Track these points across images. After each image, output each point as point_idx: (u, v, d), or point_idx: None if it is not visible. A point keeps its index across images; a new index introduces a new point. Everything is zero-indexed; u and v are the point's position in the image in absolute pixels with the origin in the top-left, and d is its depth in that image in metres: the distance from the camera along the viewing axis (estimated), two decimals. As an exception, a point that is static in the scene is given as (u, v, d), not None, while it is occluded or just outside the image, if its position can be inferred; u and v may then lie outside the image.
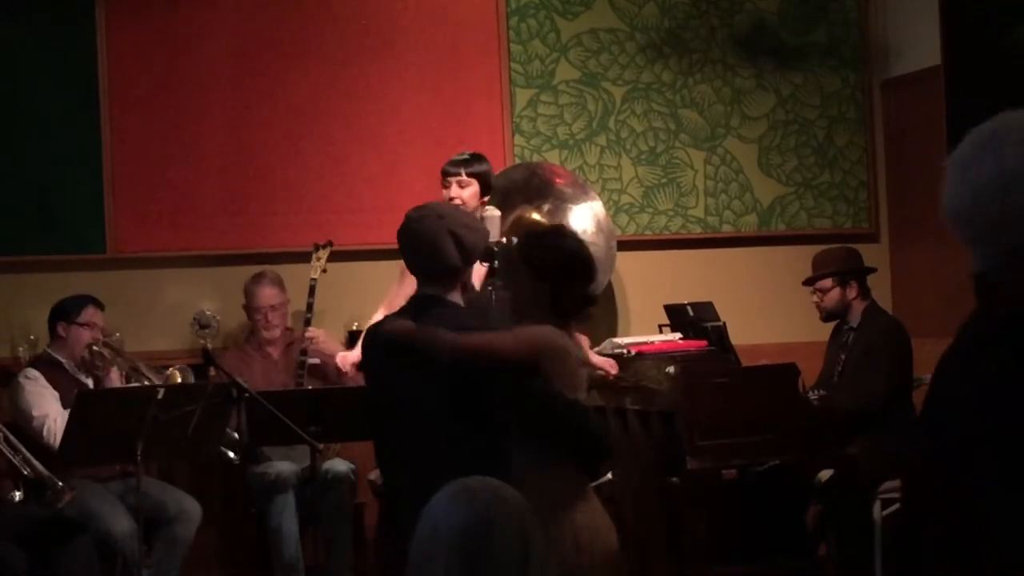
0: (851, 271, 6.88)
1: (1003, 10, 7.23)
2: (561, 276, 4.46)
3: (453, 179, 6.24)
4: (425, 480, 3.21)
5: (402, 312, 4.57)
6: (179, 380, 6.41)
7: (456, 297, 4.52)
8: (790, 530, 6.70)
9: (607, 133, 7.89)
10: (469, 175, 6.24)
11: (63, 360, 6.63)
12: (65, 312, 6.68)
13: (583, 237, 7.19)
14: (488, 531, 2.39)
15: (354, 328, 7.41)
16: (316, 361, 6.96)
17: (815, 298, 6.92)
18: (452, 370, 4.28)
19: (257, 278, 7.12)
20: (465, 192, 6.24)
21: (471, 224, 4.55)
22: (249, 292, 7.11)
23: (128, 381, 6.58)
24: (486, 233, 4.60)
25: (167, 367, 6.57)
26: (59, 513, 6.26)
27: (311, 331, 6.93)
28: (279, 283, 7.11)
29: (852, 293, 6.86)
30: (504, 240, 6.19)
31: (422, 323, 4.36)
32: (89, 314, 6.65)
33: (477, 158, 6.35)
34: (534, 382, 4.29)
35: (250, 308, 7.10)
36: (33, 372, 6.58)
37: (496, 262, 5.88)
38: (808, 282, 6.96)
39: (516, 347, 4.30)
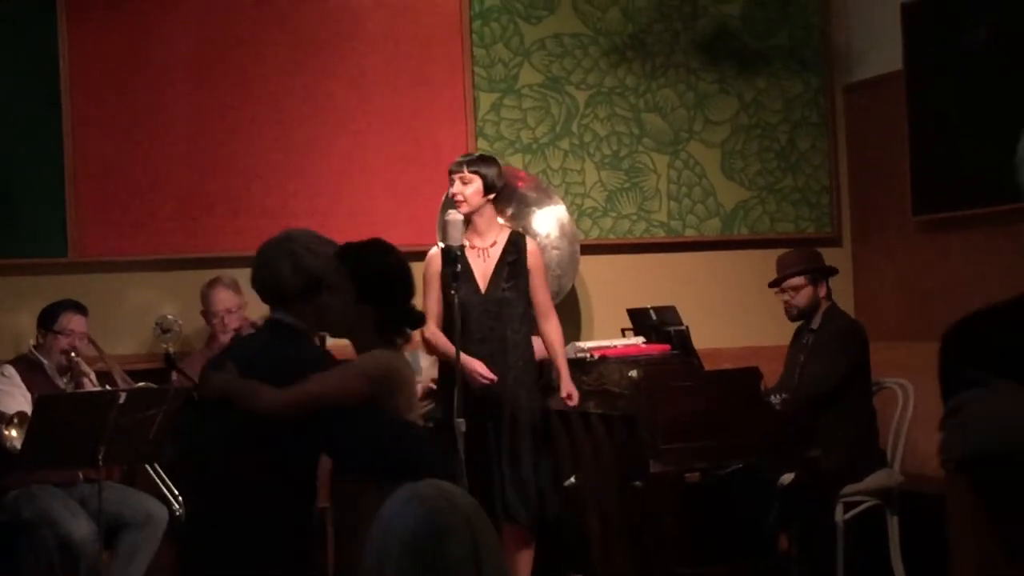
0: (821, 269, 6.91)
1: (963, 16, 7.27)
2: (388, 293, 4.42)
3: (456, 175, 6.40)
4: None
5: (253, 337, 4.56)
6: None
7: (305, 322, 4.42)
8: (753, 533, 6.72)
9: (570, 137, 7.89)
10: (472, 171, 6.35)
11: (44, 362, 6.63)
12: (43, 319, 6.69)
13: (546, 241, 7.28)
14: (439, 535, 2.40)
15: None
16: None
17: (785, 297, 6.91)
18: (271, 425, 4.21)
19: (212, 283, 7.11)
20: (467, 189, 6.35)
21: (316, 248, 4.43)
22: (205, 297, 7.09)
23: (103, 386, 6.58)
24: (329, 258, 4.49)
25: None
26: (18, 517, 6.24)
27: None
28: (234, 287, 7.08)
29: (822, 291, 6.89)
30: (466, 243, 6.23)
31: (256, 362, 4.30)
32: (64, 321, 6.64)
33: (483, 158, 6.48)
34: (363, 417, 4.25)
35: (207, 313, 7.09)
36: (9, 369, 6.58)
37: (459, 266, 5.92)
38: (776, 282, 6.96)
39: (347, 386, 4.24)
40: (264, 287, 4.43)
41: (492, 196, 6.42)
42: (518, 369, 6.35)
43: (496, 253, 6.42)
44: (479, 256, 6.41)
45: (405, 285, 4.52)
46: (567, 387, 6.41)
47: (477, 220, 6.40)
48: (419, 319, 4.60)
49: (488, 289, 6.35)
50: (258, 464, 4.21)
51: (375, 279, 4.38)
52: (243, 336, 4.56)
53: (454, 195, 6.38)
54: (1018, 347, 2.33)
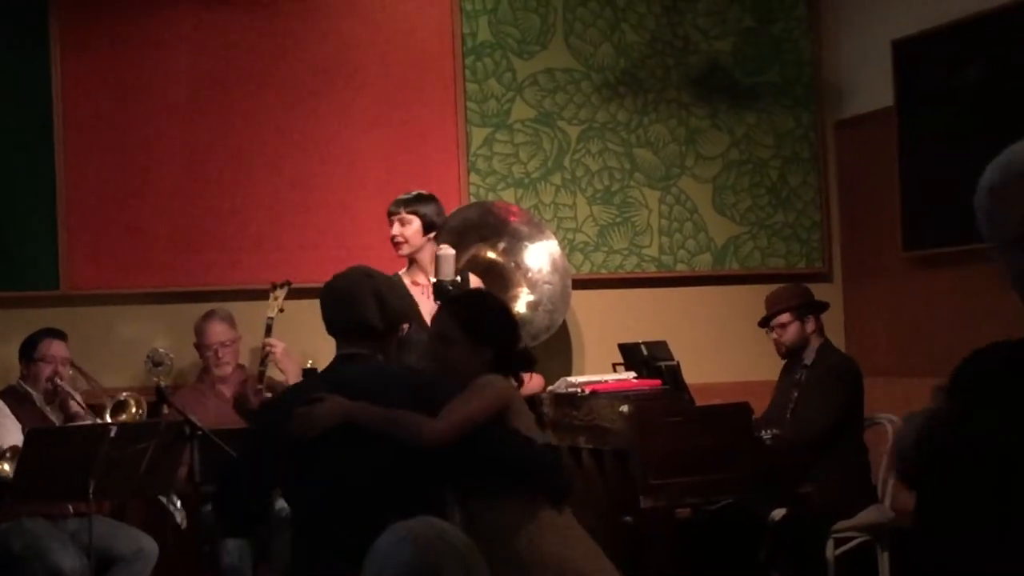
0: (807, 305, 6.92)
1: (954, 52, 7.30)
2: (507, 336, 4.47)
3: (395, 217, 6.45)
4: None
5: (341, 367, 4.53)
6: (133, 408, 6.47)
7: (383, 356, 4.49)
8: (743, 569, 6.70)
9: (562, 172, 7.91)
10: (409, 212, 6.41)
11: (33, 393, 6.64)
12: (24, 350, 6.72)
13: (538, 276, 7.29)
14: (433, 572, 2.40)
15: (308, 366, 7.38)
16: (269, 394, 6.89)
17: (774, 335, 6.92)
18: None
19: (207, 316, 7.12)
20: (407, 230, 6.38)
21: (394, 287, 4.55)
22: (199, 330, 7.10)
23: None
24: (411, 300, 4.60)
25: (119, 396, 6.59)
26: (7, 550, 6.22)
27: (272, 341, 6.87)
28: (229, 320, 7.11)
29: (810, 327, 6.89)
30: (459, 279, 6.23)
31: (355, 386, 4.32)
32: (43, 348, 6.66)
33: (420, 197, 6.49)
34: (506, 431, 4.34)
35: (201, 346, 7.10)
36: None
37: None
38: (765, 321, 6.97)
39: (494, 404, 4.32)
40: (349, 324, 4.46)
41: (433, 235, 6.43)
42: None
43: None
44: (423, 294, 6.39)
45: (517, 328, 4.59)
46: None
47: (420, 258, 6.43)
48: (534, 360, 4.64)
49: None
50: (404, 486, 4.25)
51: (494, 324, 4.43)
52: (325, 370, 4.56)
53: (393, 237, 6.41)
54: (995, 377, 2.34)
